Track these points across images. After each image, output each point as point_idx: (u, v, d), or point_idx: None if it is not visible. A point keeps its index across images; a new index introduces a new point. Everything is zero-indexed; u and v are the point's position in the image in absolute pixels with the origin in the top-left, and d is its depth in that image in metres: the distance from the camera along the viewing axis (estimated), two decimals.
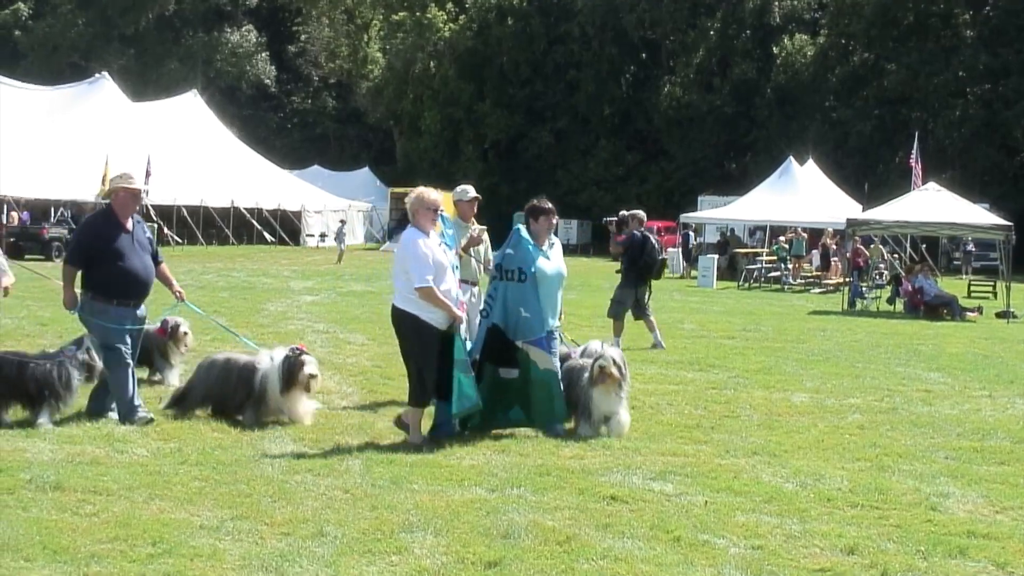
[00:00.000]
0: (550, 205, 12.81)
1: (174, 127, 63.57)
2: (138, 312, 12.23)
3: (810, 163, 58.52)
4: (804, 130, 73.83)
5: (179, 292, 12.92)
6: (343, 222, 60.04)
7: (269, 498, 9.01)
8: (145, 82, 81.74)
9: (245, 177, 65.10)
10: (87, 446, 10.70)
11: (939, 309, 32.15)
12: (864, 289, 36.97)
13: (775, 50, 78.58)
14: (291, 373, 11.99)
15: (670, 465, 10.68)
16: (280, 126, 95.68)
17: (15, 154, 53.05)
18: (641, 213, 21.90)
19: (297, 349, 12.26)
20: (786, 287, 43.81)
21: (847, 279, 38.76)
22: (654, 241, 21.32)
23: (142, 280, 12.13)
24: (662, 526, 8.54)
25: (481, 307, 12.74)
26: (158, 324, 14.65)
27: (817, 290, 43.27)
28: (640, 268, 20.77)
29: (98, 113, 60.60)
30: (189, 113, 68.36)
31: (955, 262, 59.23)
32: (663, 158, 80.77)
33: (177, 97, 70.87)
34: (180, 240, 58.10)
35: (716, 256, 47.15)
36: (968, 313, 32.09)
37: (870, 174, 66.90)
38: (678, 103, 79.39)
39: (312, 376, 12.09)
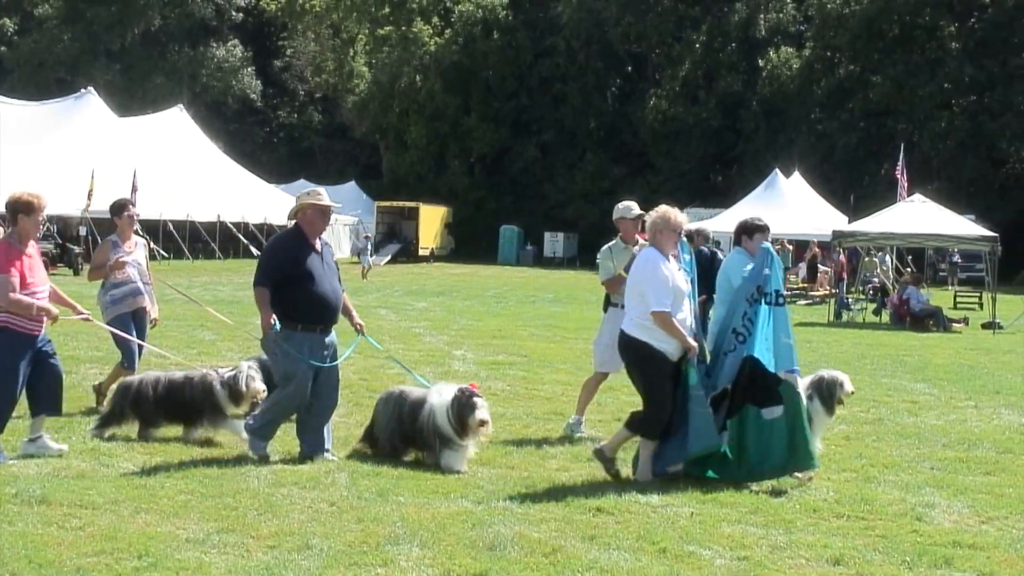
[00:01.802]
0: (766, 222, 11.88)
1: (160, 142, 63.36)
2: (326, 339, 11.28)
3: (796, 175, 58.71)
4: (790, 142, 74.03)
5: (359, 324, 11.84)
6: (368, 237, 59.35)
7: (255, 511, 9.01)
8: (131, 97, 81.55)
9: (231, 191, 64.93)
10: (73, 460, 10.68)
11: (925, 320, 32.21)
12: (850, 301, 37.05)
13: (761, 63, 78.75)
14: (461, 417, 10.84)
15: (656, 477, 10.68)
16: (266, 140, 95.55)
17: (1, 169, 52.92)
18: (706, 228, 21.58)
19: (468, 390, 11.10)
20: None
21: (833, 291, 38.84)
22: (722, 257, 21.14)
23: (331, 305, 11.26)
24: (648, 537, 8.56)
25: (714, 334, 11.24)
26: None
27: (803, 302, 43.30)
28: (709, 286, 20.33)
29: (84, 128, 60.42)
30: (175, 128, 68.17)
31: (941, 273, 59.33)
32: (649, 171, 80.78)
33: (163, 112, 70.67)
34: (166, 254, 57.92)
35: None
36: (954, 324, 32.18)
37: (856, 186, 67.09)
38: (664, 116, 79.43)
39: (483, 423, 10.91)
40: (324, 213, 11.38)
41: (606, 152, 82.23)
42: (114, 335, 13.07)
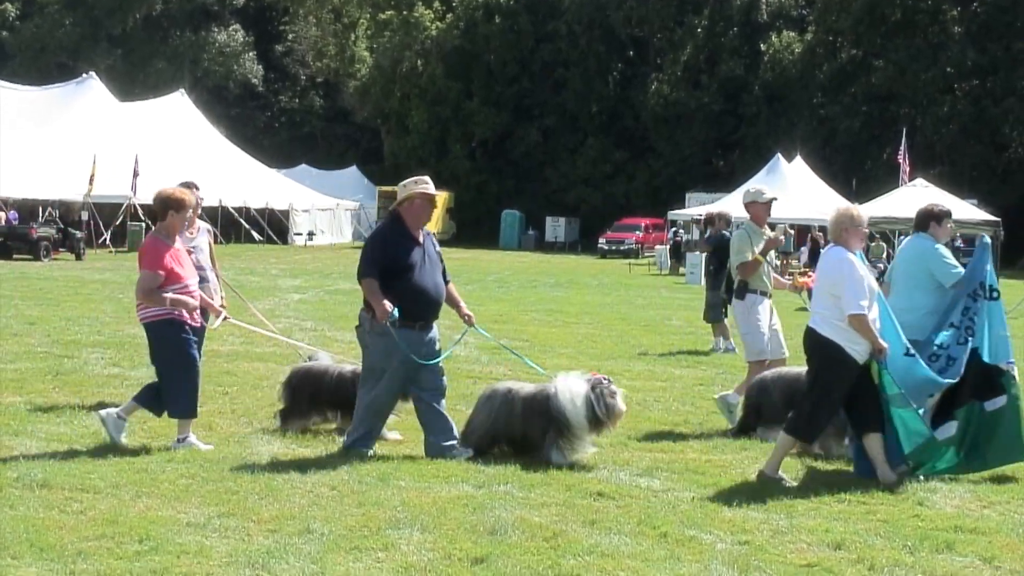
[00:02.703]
0: (948, 207, 11.44)
1: (162, 127, 63.34)
2: (426, 335, 10.76)
3: (798, 160, 58.72)
4: (792, 127, 73.96)
5: (468, 315, 11.15)
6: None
7: (256, 495, 9.00)
8: (132, 82, 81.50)
9: (233, 176, 64.84)
10: (75, 444, 10.67)
11: None
12: None
13: (763, 47, 78.66)
14: (601, 408, 10.41)
15: (657, 461, 10.69)
16: (267, 125, 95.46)
17: (2, 154, 52.94)
18: (728, 212, 21.56)
19: (602, 379, 10.69)
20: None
21: None
22: None
23: (432, 299, 10.74)
24: (649, 522, 8.54)
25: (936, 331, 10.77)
26: None
27: None
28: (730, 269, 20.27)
29: (86, 113, 60.47)
30: (176, 113, 68.14)
31: None
32: (651, 155, 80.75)
33: (164, 97, 70.62)
34: None
35: (704, 253, 46.90)
36: None
37: (858, 170, 67.12)
38: (666, 100, 79.34)
39: (621, 413, 10.69)
40: (431, 203, 10.91)
41: (608, 136, 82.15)
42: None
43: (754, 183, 55.65)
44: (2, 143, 54.05)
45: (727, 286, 13.79)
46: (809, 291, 12.00)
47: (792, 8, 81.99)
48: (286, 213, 68.05)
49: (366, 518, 8.43)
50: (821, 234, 48.07)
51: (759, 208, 13.19)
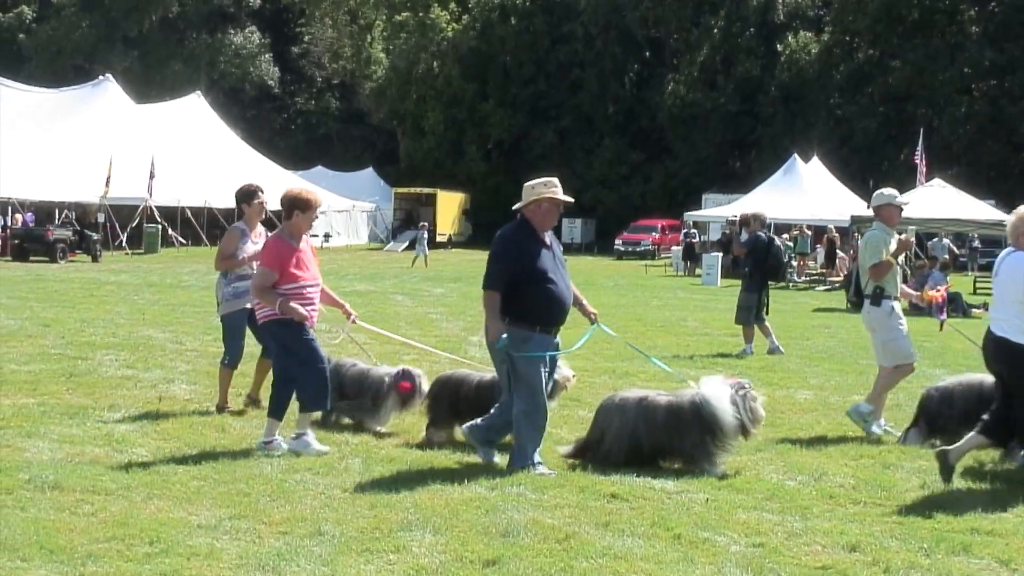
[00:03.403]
0: None
1: (178, 128, 63.52)
2: (555, 340, 10.49)
3: (815, 160, 58.62)
4: (809, 127, 73.86)
5: (593, 314, 11.02)
6: (424, 225, 58.57)
7: (267, 497, 8.96)
8: (149, 84, 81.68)
9: (249, 178, 63.99)
10: (87, 446, 10.63)
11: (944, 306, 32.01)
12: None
13: (779, 47, 78.64)
14: (748, 413, 10.19)
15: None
16: (284, 127, 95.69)
17: (20, 156, 53.11)
18: (763, 213, 21.45)
19: (744, 384, 10.46)
20: (791, 284, 43.68)
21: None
22: (779, 242, 20.92)
23: (566, 305, 10.41)
24: (662, 524, 8.48)
25: None
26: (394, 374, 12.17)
27: (822, 287, 43.19)
28: (765, 271, 20.37)
29: (102, 115, 60.66)
30: (193, 114, 68.29)
31: (961, 259, 59.11)
32: (667, 156, 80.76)
33: (181, 99, 70.83)
34: (184, 241, 58.07)
35: (720, 254, 46.91)
36: (973, 309, 32.00)
37: (875, 171, 66.94)
38: (682, 101, 79.34)
39: (763, 418, 10.47)
40: (559, 207, 10.49)
41: (624, 138, 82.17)
42: (258, 332, 12.11)
43: (771, 184, 55.83)
44: (19, 145, 54.28)
45: (856, 290, 13.51)
46: (937, 304, 11.78)
47: (809, 8, 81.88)
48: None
49: (378, 520, 8.38)
50: (837, 235, 48.03)
51: (892, 210, 13.04)
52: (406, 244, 68.76)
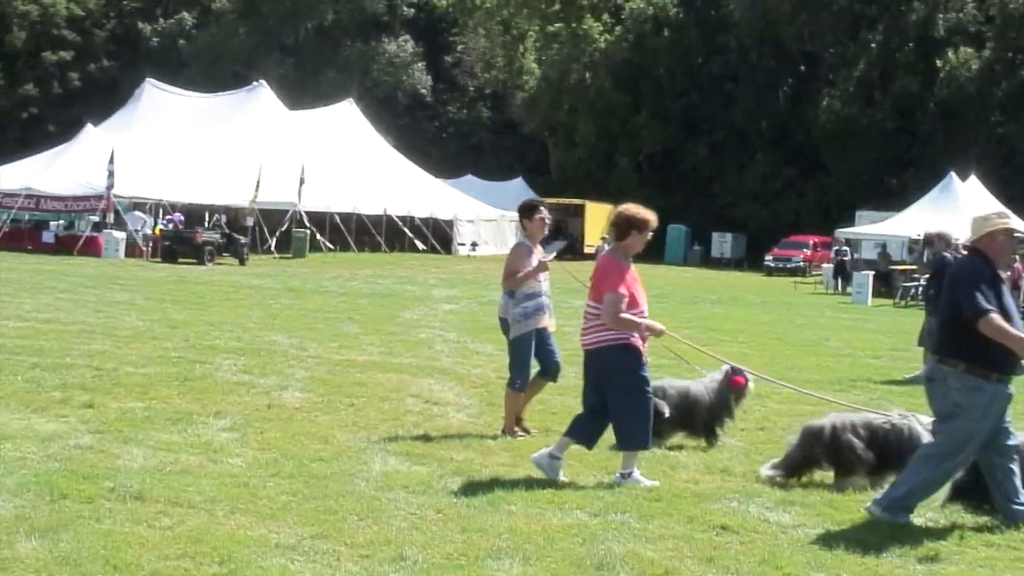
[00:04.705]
0: None
1: (329, 135, 64.00)
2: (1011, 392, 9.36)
3: (972, 179, 57.01)
4: (968, 146, 71.81)
5: None
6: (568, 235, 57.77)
7: (355, 516, 8.50)
8: (303, 91, 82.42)
9: (398, 185, 65.18)
10: (182, 454, 10.29)
11: None
12: None
13: (939, 63, 76.60)
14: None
15: (792, 493, 9.92)
16: (436, 135, 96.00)
17: (173, 159, 53.88)
18: (948, 233, 20.62)
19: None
20: None
21: None
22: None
23: None
24: (772, 561, 7.83)
25: None
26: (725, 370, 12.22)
27: None
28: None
29: (255, 120, 61.33)
30: (344, 121, 68.72)
31: None
32: (821, 173, 79.35)
33: (333, 106, 71.36)
34: (332, 247, 58.36)
35: (871, 273, 45.50)
36: None
37: None
38: (837, 117, 77.80)
39: None
40: (1014, 240, 9.78)
41: (777, 152, 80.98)
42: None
43: (927, 202, 54.31)
44: (173, 148, 55.07)
45: None
46: None
47: (970, 24, 79.62)
48: (450, 223, 68.05)
49: (466, 546, 7.87)
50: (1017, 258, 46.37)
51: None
52: (554, 254, 68.15)
